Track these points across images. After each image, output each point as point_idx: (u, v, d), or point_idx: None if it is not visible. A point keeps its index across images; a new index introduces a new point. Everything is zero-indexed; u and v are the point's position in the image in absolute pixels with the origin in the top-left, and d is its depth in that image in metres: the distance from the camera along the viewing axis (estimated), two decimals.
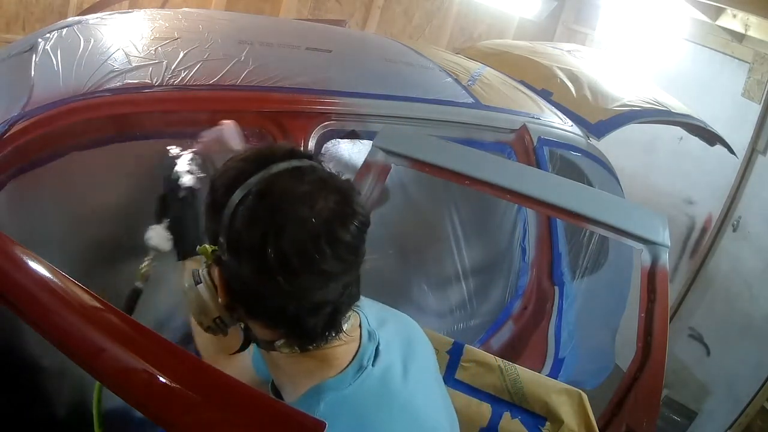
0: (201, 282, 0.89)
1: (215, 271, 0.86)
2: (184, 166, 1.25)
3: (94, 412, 1.03)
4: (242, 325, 0.89)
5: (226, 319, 0.89)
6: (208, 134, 1.30)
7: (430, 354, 1.06)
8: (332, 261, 0.78)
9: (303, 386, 0.86)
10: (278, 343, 0.85)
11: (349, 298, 0.86)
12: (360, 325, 0.93)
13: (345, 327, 0.87)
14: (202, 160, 1.27)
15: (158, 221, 1.24)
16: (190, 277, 0.91)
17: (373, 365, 0.89)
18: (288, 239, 0.76)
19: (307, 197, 0.79)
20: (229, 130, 1.29)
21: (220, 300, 0.86)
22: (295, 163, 0.83)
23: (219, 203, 0.82)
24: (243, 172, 0.82)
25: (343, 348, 0.88)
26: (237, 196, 0.80)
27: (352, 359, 0.88)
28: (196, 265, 0.94)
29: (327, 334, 0.85)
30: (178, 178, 1.24)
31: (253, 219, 0.78)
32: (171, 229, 1.25)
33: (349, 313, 0.88)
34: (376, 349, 0.91)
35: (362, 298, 0.92)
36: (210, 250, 0.87)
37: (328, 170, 0.86)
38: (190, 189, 1.25)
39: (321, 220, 0.78)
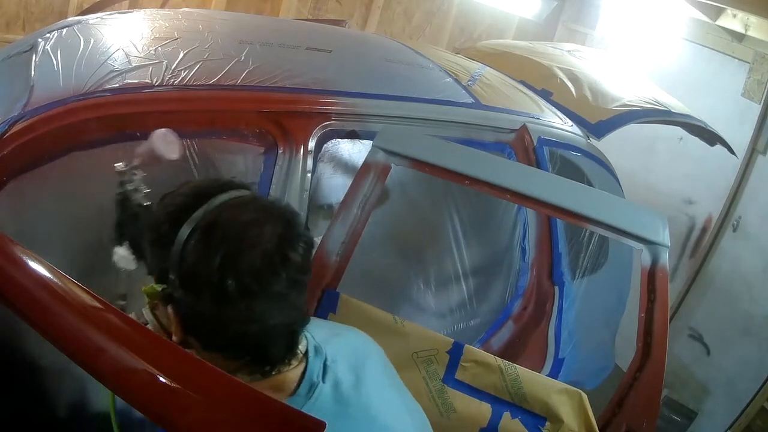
0: (147, 324, 0.89)
1: (166, 310, 0.85)
2: (130, 184, 1.21)
3: (111, 415, 1.02)
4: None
5: None
6: (142, 147, 1.26)
7: (382, 361, 1.05)
8: (286, 282, 0.81)
9: None
10: (239, 373, 0.85)
11: (303, 318, 0.88)
12: (307, 345, 0.93)
13: (298, 348, 0.89)
14: (143, 173, 1.24)
15: (119, 243, 1.19)
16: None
17: (323, 380, 0.89)
18: (245, 264, 0.78)
19: (255, 224, 0.81)
20: (161, 139, 1.26)
21: (174, 338, 0.85)
22: (234, 194, 0.85)
23: (165, 240, 0.82)
24: (184, 207, 0.83)
25: (293, 371, 0.88)
26: (184, 231, 0.80)
27: (302, 379, 0.88)
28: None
29: (286, 357, 0.87)
30: (127, 198, 1.20)
31: (207, 251, 0.79)
32: (133, 247, 1.19)
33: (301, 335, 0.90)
34: (324, 364, 0.91)
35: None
36: (158, 288, 0.85)
37: (266, 198, 0.90)
38: (141, 206, 1.21)
39: (272, 244, 0.80)
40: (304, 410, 0.80)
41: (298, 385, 0.87)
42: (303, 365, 0.90)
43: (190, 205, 0.83)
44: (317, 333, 0.96)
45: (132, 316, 0.90)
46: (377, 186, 1.54)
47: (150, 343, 0.71)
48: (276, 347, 0.84)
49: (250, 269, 0.78)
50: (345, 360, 0.95)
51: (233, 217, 0.82)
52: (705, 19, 3.27)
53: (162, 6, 3.48)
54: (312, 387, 0.87)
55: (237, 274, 0.77)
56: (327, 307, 1.47)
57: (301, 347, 0.90)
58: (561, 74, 2.52)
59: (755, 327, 3.01)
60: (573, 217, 1.45)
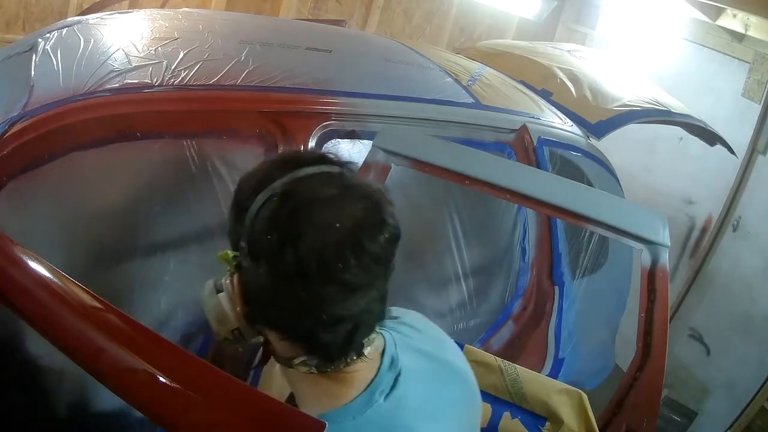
0: (223, 291, 0.84)
1: (235, 279, 0.81)
2: None
3: None
4: (262, 339, 0.84)
5: (244, 331, 0.84)
6: None
7: (465, 399, 0.96)
8: (356, 271, 0.73)
9: (310, 413, 0.78)
10: (296, 360, 0.80)
11: (371, 316, 0.80)
12: (384, 350, 0.85)
13: (366, 350, 0.81)
14: None
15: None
16: (211, 285, 0.86)
17: (386, 399, 0.81)
18: (308, 244, 0.72)
19: (333, 202, 0.75)
20: None
21: (238, 309, 0.82)
22: (324, 168, 0.79)
23: (243, 206, 0.79)
24: (269, 174, 0.79)
25: (358, 374, 0.81)
26: (261, 198, 0.76)
27: (366, 387, 0.81)
28: None
29: (345, 354, 0.79)
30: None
31: (273, 221, 0.75)
32: None
33: (373, 335, 0.82)
34: (395, 380, 0.83)
35: (419, 317, 0.95)
36: (231, 255, 0.81)
37: (357, 178, 0.82)
38: None
39: (346, 227, 0.73)
40: (350, 426, 0.77)
41: (361, 392, 0.81)
42: (373, 372, 0.82)
43: (274, 174, 0.78)
44: (412, 338, 0.90)
45: (209, 282, 0.87)
46: None
47: (150, 343, 0.71)
48: (332, 340, 0.77)
49: (313, 250, 0.72)
50: (421, 382, 0.86)
51: (311, 190, 0.76)
52: (705, 19, 3.27)
53: (162, 6, 3.48)
54: (371, 401, 0.80)
55: (297, 252, 0.71)
56: None
57: (372, 350, 0.82)
58: (561, 74, 2.52)
59: (755, 327, 3.01)
60: (573, 217, 1.45)
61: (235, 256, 0.81)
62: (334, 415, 0.78)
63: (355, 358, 0.80)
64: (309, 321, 0.75)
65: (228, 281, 0.84)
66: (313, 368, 0.80)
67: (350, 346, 0.79)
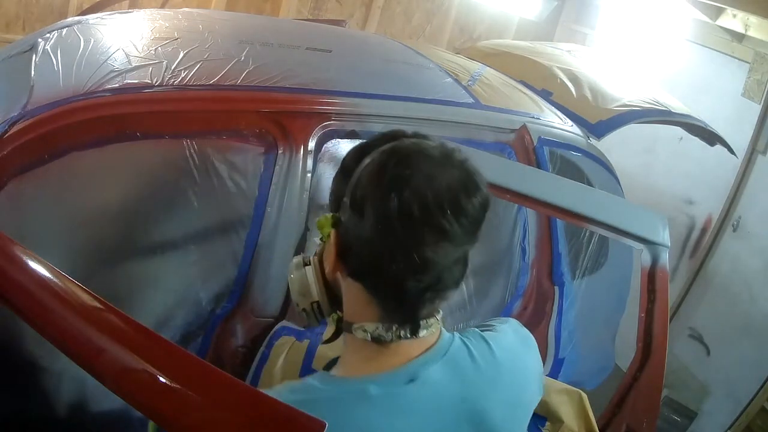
0: (309, 265, 0.91)
1: (332, 237, 0.85)
2: None
3: None
4: (336, 316, 0.90)
5: (323, 304, 0.90)
6: None
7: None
8: (452, 221, 0.78)
9: (346, 374, 0.86)
10: (356, 324, 0.84)
11: (452, 275, 0.82)
12: (437, 342, 0.87)
13: (428, 326, 0.84)
14: None
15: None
16: (299, 260, 0.93)
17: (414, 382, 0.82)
18: (412, 189, 0.77)
19: (436, 161, 0.81)
20: None
21: (327, 267, 0.87)
22: (423, 140, 0.86)
23: (348, 169, 0.85)
24: (373, 143, 0.86)
25: (407, 349, 0.84)
26: (367, 158, 0.82)
27: (405, 363, 0.83)
28: None
29: (416, 314, 0.82)
30: None
31: (381, 170, 0.79)
32: None
33: (439, 318, 0.86)
34: (459, 342, 0.88)
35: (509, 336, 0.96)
36: (330, 216, 0.87)
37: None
38: None
39: (446, 184, 0.78)
40: (375, 391, 0.80)
41: (396, 368, 0.83)
42: (418, 351, 0.85)
43: (379, 142, 0.85)
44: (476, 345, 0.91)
45: (297, 258, 0.94)
46: None
47: (150, 343, 0.71)
48: (414, 288, 0.79)
49: (417, 195, 0.76)
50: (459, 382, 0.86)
51: (417, 147, 0.82)
52: (705, 19, 3.27)
53: (162, 6, 3.49)
54: (401, 379, 0.82)
55: (402, 194, 0.76)
56: None
57: (428, 335, 0.85)
58: (561, 74, 2.52)
59: (755, 327, 3.01)
60: (573, 217, 1.45)
61: (333, 216, 0.86)
62: (367, 378, 0.82)
63: (416, 332, 0.83)
64: (401, 264, 0.78)
65: (316, 259, 0.91)
66: (369, 336, 0.82)
67: (424, 304, 0.82)
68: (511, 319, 1.02)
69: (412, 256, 0.77)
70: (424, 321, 0.84)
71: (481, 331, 0.94)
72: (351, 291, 0.85)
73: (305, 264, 0.92)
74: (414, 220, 0.76)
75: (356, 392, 0.81)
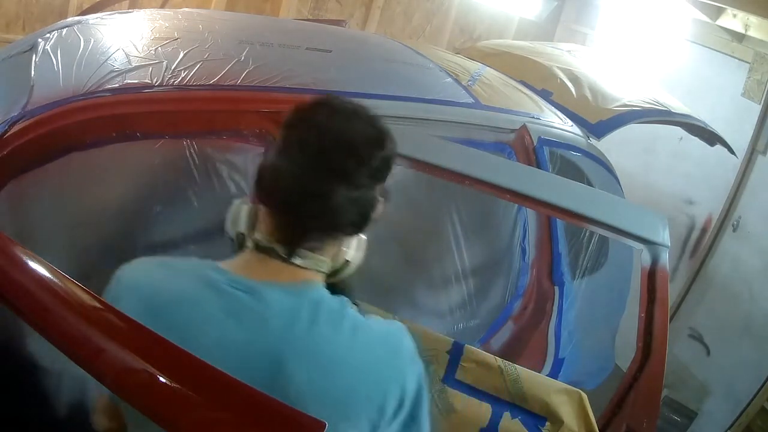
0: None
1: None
2: None
3: None
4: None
5: (247, 237, 0.98)
6: None
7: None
8: (346, 163, 0.88)
9: None
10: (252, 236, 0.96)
11: (344, 215, 0.91)
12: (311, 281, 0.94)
13: (296, 260, 0.91)
14: None
15: None
16: (245, 199, 1.03)
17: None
18: (316, 128, 0.89)
19: (347, 113, 0.93)
20: None
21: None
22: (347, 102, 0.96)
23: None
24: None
25: (274, 266, 0.92)
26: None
27: (260, 279, 0.91)
28: None
29: (296, 240, 0.92)
30: None
31: (297, 112, 0.92)
32: None
33: (325, 260, 0.94)
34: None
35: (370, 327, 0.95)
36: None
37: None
38: None
39: (348, 130, 0.90)
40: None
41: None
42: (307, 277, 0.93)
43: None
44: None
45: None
46: None
47: (150, 343, 0.71)
48: (299, 222, 0.90)
49: (319, 131, 0.88)
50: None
51: (332, 102, 0.93)
52: (705, 19, 3.27)
53: (162, 6, 3.49)
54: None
55: (305, 131, 0.89)
56: None
57: (316, 263, 0.93)
58: (561, 74, 2.52)
59: (755, 327, 3.01)
60: (573, 217, 1.45)
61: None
62: (224, 270, 0.92)
63: (291, 256, 0.91)
64: (294, 191, 0.90)
65: None
66: (254, 243, 0.93)
67: (306, 234, 0.91)
68: (403, 332, 1.00)
69: (305, 187, 0.88)
70: (303, 251, 0.91)
71: (365, 315, 0.96)
72: (262, 216, 0.94)
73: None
74: (310, 155, 0.87)
75: (204, 270, 0.91)
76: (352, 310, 0.95)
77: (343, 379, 0.89)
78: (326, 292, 0.94)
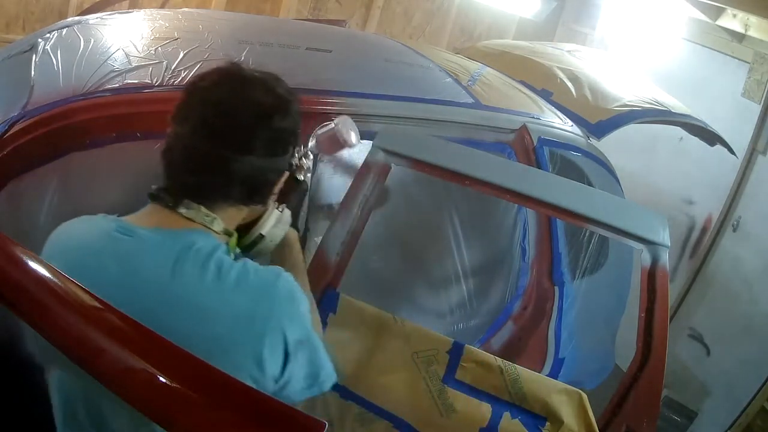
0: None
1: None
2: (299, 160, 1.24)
3: None
4: None
5: None
6: (323, 134, 1.29)
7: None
8: (224, 128, 0.96)
9: None
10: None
11: (226, 176, 0.96)
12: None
13: (182, 210, 0.96)
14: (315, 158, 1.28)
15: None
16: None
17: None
18: (208, 92, 0.99)
19: (242, 81, 0.99)
20: (343, 127, 1.28)
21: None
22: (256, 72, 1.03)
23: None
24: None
25: (164, 214, 0.98)
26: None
27: (143, 226, 0.97)
28: None
29: (181, 191, 0.98)
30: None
31: (195, 78, 1.04)
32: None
33: (214, 216, 0.98)
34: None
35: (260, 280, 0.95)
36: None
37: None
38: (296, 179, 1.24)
39: (239, 98, 0.97)
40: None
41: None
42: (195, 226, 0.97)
43: None
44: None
45: None
46: (377, 186, 1.54)
47: (150, 343, 0.71)
48: (182, 173, 0.97)
49: (208, 96, 0.96)
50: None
51: (233, 70, 1.00)
52: (705, 19, 3.27)
53: (162, 6, 3.49)
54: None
55: (197, 93, 0.98)
56: (327, 308, 1.47)
57: (202, 215, 0.97)
58: (561, 74, 2.52)
59: (755, 327, 3.01)
60: (573, 217, 1.45)
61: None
62: (119, 219, 1.00)
63: (176, 205, 0.97)
64: (178, 149, 0.98)
65: None
66: (150, 194, 1.00)
67: (189, 187, 0.97)
68: (278, 274, 0.97)
69: (187, 150, 0.95)
70: (189, 202, 0.97)
71: (254, 264, 0.98)
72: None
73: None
74: (193, 120, 0.94)
75: (106, 221, 0.98)
76: (225, 256, 0.95)
77: (207, 326, 0.88)
78: (203, 238, 0.95)
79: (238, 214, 1.04)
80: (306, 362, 0.97)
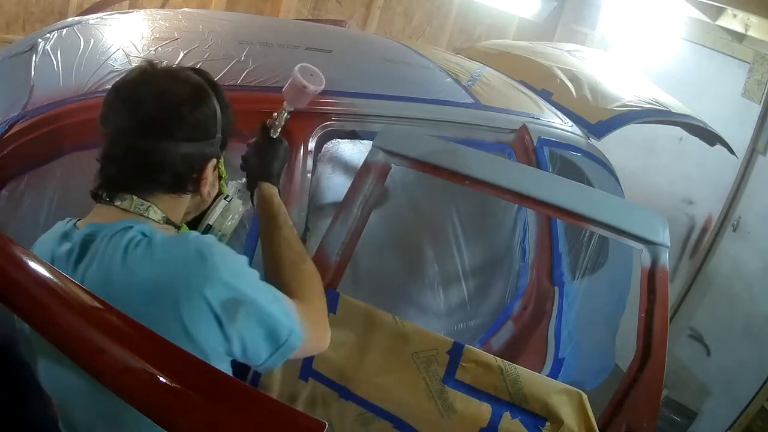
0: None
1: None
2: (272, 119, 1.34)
3: None
4: None
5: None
6: (286, 87, 1.32)
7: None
8: (152, 115, 0.99)
9: None
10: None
11: (156, 165, 0.99)
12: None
13: (117, 203, 0.99)
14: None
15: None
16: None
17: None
18: (138, 86, 1.02)
19: (167, 76, 1.03)
20: (300, 72, 1.30)
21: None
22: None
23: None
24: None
25: (102, 209, 1.02)
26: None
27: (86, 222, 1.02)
28: None
29: (114, 186, 1.02)
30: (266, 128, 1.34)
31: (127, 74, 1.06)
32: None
33: (149, 205, 1.01)
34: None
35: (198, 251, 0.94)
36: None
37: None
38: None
39: (162, 91, 1.00)
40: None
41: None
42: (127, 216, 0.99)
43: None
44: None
45: None
46: (377, 186, 1.54)
47: (150, 343, 0.71)
48: (116, 168, 1.01)
49: (137, 89, 0.99)
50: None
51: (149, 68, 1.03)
52: (705, 19, 3.27)
53: (162, 6, 3.49)
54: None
55: (127, 87, 1.01)
56: (326, 308, 1.46)
57: (135, 204, 1.00)
58: (561, 74, 2.52)
59: (755, 327, 3.01)
60: (573, 217, 1.45)
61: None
62: (68, 224, 1.05)
63: (112, 199, 1.01)
64: (108, 142, 1.04)
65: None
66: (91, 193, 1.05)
67: (119, 182, 1.01)
68: (192, 238, 0.96)
69: (110, 143, 1.01)
70: (123, 194, 1.00)
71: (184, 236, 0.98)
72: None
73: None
74: (112, 113, 0.99)
75: (61, 225, 1.03)
76: (141, 235, 0.95)
77: (128, 309, 0.76)
78: (137, 225, 0.97)
79: (177, 204, 1.05)
80: (256, 323, 0.92)
